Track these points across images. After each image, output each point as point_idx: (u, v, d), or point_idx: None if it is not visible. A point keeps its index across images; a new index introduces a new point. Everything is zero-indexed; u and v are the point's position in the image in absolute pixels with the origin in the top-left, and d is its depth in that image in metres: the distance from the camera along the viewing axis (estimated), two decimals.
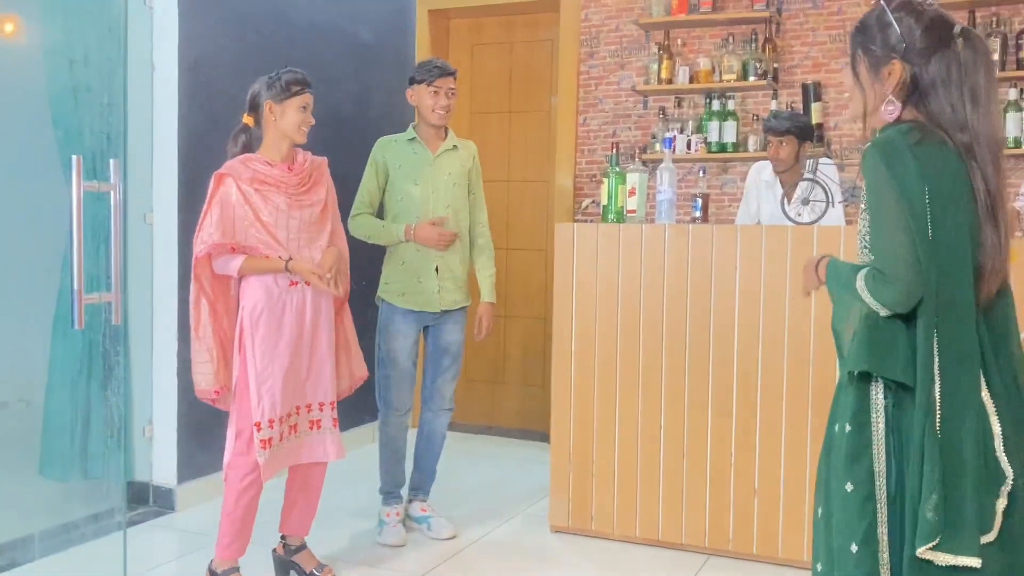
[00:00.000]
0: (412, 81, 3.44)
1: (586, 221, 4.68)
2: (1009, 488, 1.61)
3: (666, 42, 4.63)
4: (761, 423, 3.19)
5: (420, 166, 3.41)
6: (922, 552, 1.57)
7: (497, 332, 5.28)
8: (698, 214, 3.70)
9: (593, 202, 4.70)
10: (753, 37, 4.44)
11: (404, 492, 3.59)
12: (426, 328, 3.50)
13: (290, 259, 2.81)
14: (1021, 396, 1.67)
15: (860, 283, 1.65)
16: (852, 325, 1.72)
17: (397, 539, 3.39)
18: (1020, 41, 3.97)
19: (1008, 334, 1.68)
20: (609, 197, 3.50)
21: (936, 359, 1.60)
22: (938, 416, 1.59)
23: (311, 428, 2.92)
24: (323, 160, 3.00)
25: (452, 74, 3.41)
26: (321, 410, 2.94)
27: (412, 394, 3.51)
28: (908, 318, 1.63)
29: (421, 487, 3.59)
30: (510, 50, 5.24)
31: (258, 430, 2.75)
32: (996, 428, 1.62)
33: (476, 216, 3.57)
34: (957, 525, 1.56)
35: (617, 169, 3.51)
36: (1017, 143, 3.94)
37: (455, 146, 3.48)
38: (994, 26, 4.05)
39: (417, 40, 5.22)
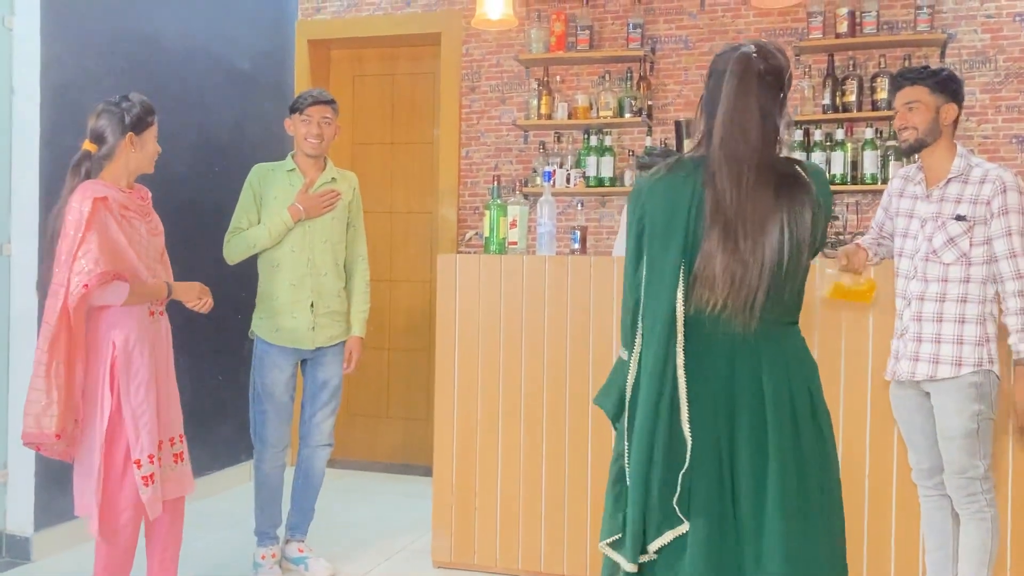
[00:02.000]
0: (291, 111, 3.39)
1: (469, 252, 4.69)
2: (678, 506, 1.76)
3: (545, 78, 4.72)
4: None
5: (289, 198, 3.33)
6: (601, 547, 1.83)
7: (380, 365, 5.22)
8: (577, 246, 3.77)
9: (476, 234, 4.72)
10: (628, 75, 4.58)
11: (281, 532, 3.47)
12: (304, 362, 3.42)
13: (171, 284, 2.80)
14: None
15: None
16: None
17: None
18: (874, 83, 4.24)
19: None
20: (491, 229, 3.53)
21: (634, 378, 1.79)
22: (635, 424, 1.79)
23: (175, 462, 2.81)
24: (147, 190, 2.91)
25: (325, 103, 3.35)
26: (181, 442, 2.86)
27: (289, 430, 3.41)
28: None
29: (298, 527, 3.47)
30: (392, 82, 5.23)
31: (138, 467, 2.63)
32: (688, 453, 1.74)
33: (354, 249, 3.51)
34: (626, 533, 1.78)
35: (499, 202, 3.54)
36: (874, 179, 4.19)
37: (333, 178, 3.42)
38: (851, 68, 4.30)
39: (297, 70, 5.16)
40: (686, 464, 1.72)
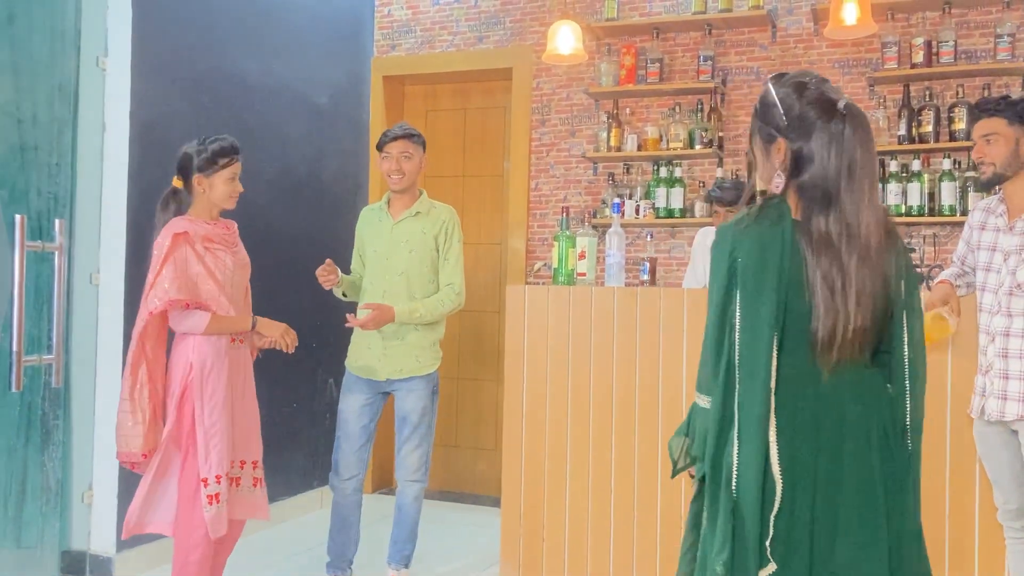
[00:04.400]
0: (377, 149, 3.49)
1: (537, 284, 4.72)
2: (769, 550, 1.70)
3: (615, 111, 4.75)
4: None
5: (381, 232, 3.46)
6: None
7: (449, 394, 5.26)
8: (646, 277, 3.76)
9: (545, 265, 4.75)
10: (699, 107, 4.58)
11: (355, 561, 3.51)
12: (393, 392, 3.48)
13: (255, 318, 2.92)
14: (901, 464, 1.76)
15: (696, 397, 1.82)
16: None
17: None
18: (952, 113, 4.15)
19: (861, 401, 1.75)
20: (560, 260, 3.55)
21: (736, 425, 1.71)
22: (735, 476, 1.69)
23: (255, 485, 2.92)
24: (235, 223, 3.07)
25: (403, 138, 3.39)
26: (256, 468, 2.97)
27: (362, 462, 3.44)
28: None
29: (393, 556, 3.51)
30: (464, 116, 5.33)
31: (205, 485, 2.74)
32: (777, 496, 1.70)
33: (444, 278, 3.44)
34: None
35: (568, 233, 3.56)
36: (952, 211, 4.09)
37: (418, 212, 3.45)
38: (927, 99, 4.23)
39: (372, 105, 5.29)
40: (775, 507, 1.70)
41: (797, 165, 1.74)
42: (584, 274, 3.53)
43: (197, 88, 4.03)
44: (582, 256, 3.55)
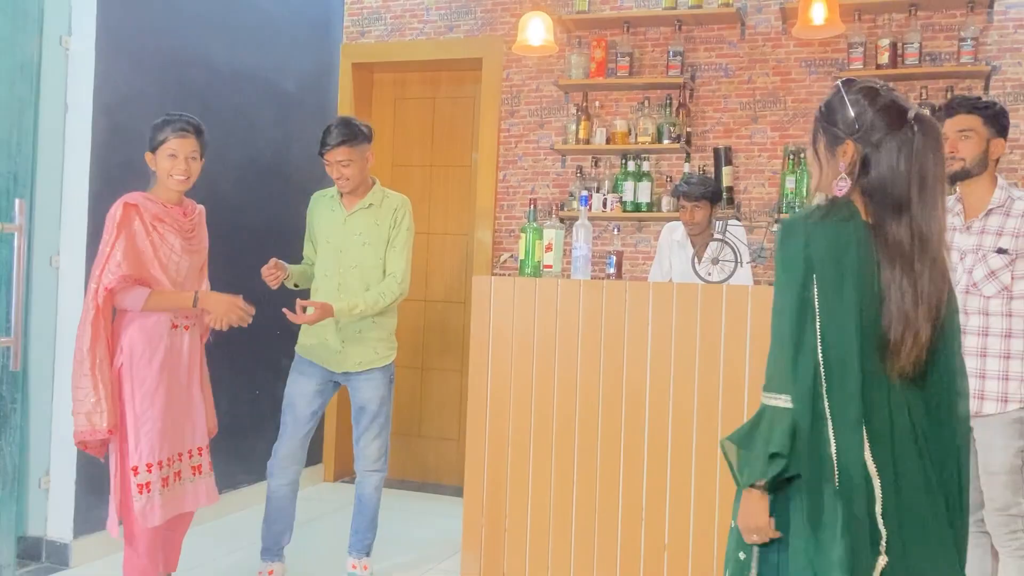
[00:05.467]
0: None
1: (504, 275, 4.72)
2: (885, 546, 1.69)
3: (584, 104, 4.76)
4: (671, 478, 3.24)
5: (334, 223, 3.42)
6: None
7: (413, 384, 5.26)
8: (612, 270, 3.78)
9: (511, 256, 4.76)
10: (668, 102, 4.61)
11: (287, 551, 3.49)
12: (347, 384, 3.46)
13: (197, 293, 2.86)
14: (949, 469, 1.76)
15: (764, 399, 1.73)
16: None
17: None
18: None
19: (943, 400, 1.77)
20: (526, 252, 3.56)
21: (830, 423, 1.67)
22: (836, 474, 1.67)
23: (194, 474, 2.92)
24: (202, 208, 3.06)
25: (339, 146, 3.25)
26: (200, 455, 2.95)
27: (302, 450, 3.40)
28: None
29: (354, 545, 3.50)
30: (432, 105, 5.31)
31: (135, 474, 2.71)
32: (877, 492, 1.70)
33: (388, 266, 3.42)
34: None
35: (535, 225, 3.57)
36: None
37: (371, 204, 3.41)
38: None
39: (340, 92, 5.25)
40: (879, 506, 1.69)
41: (865, 169, 1.74)
42: (550, 266, 3.54)
43: (163, 70, 3.97)
44: (549, 248, 3.55)
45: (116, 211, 2.74)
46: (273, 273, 3.27)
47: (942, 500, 1.76)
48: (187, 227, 2.91)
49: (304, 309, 3.22)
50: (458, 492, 4.49)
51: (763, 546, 1.79)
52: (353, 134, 3.29)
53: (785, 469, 1.70)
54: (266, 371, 4.59)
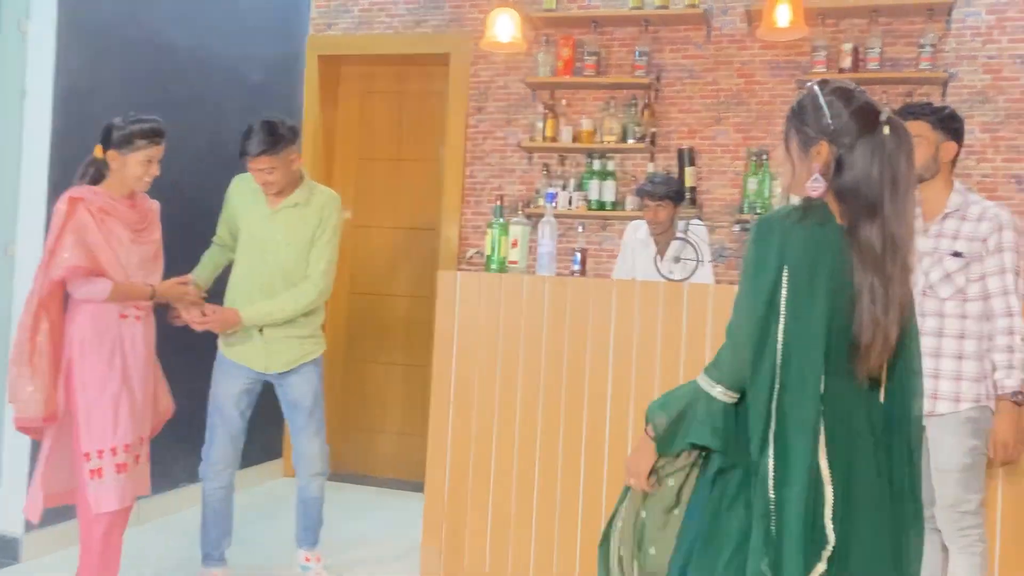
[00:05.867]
0: None
1: (470, 271, 4.73)
2: (829, 553, 1.69)
3: (551, 102, 4.78)
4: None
5: (257, 218, 3.26)
6: None
7: (377, 379, 5.24)
8: (577, 267, 3.80)
9: (477, 252, 4.76)
10: (633, 101, 4.64)
11: (228, 554, 3.43)
12: (275, 384, 3.36)
13: (154, 287, 2.91)
14: (901, 468, 1.79)
15: (701, 380, 1.79)
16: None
17: None
18: None
19: (900, 400, 1.79)
20: (492, 248, 3.56)
21: (773, 427, 1.69)
22: (771, 480, 1.68)
23: (137, 461, 2.93)
24: (157, 204, 3.07)
25: (260, 155, 3.10)
26: (141, 445, 2.96)
27: (236, 451, 3.32)
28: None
29: (304, 539, 3.47)
30: (400, 99, 5.29)
31: (87, 460, 2.73)
32: (828, 496, 1.70)
33: (310, 268, 3.27)
34: None
35: (501, 221, 3.58)
36: None
37: (297, 203, 3.25)
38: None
39: (306, 84, 5.21)
40: (829, 511, 1.70)
41: (839, 170, 1.74)
42: (516, 262, 3.55)
43: (125, 58, 3.91)
44: (515, 245, 3.56)
45: (61, 205, 2.76)
46: (188, 306, 3.12)
47: (897, 505, 1.78)
48: (134, 219, 2.91)
49: (194, 311, 3.10)
50: (421, 488, 4.48)
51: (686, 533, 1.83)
52: (274, 142, 3.11)
53: (708, 456, 1.79)
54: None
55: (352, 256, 5.27)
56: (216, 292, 3.40)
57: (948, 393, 2.69)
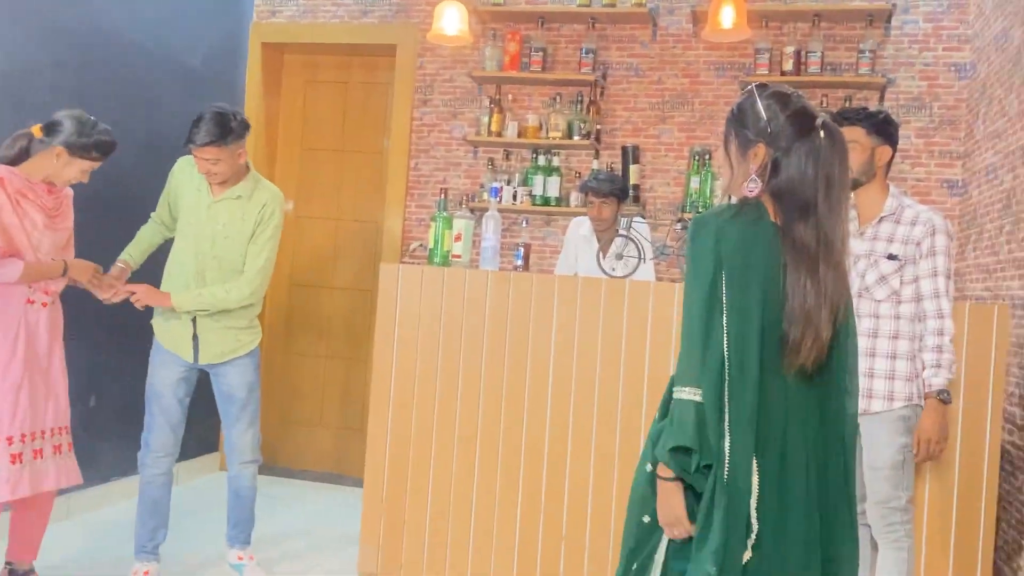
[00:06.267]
0: None
1: (414, 264, 4.69)
2: (753, 541, 1.74)
3: (497, 96, 4.76)
4: (570, 471, 3.27)
5: (197, 208, 3.20)
6: None
7: (316, 373, 5.18)
8: (520, 263, 3.79)
9: (421, 245, 4.73)
10: (579, 98, 4.65)
11: (162, 550, 3.36)
12: (210, 372, 3.31)
13: (67, 262, 2.88)
14: (834, 457, 1.82)
15: (675, 394, 1.77)
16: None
17: None
18: None
19: (835, 398, 1.83)
20: (435, 241, 3.54)
21: (727, 417, 1.72)
22: (727, 469, 1.71)
23: (55, 453, 2.87)
24: (71, 191, 3.03)
25: (203, 146, 3.03)
26: (62, 434, 2.91)
27: (176, 438, 3.26)
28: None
29: (235, 537, 3.41)
30: (345, 90, 5.23)
31: None
32: (755, 486, 1.75)
33: (249, 262, 3.21)
34: (729, 571, 1.70)
35: (444, 214, 3.56)
36: None
37: (240, 196, 3.19)
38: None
39: (249, 72, 5.12)
40: (754, 498, 1.75)
41: (775, 172, 1.79)
42: (459, 256, 3.54)
43: (60, 41, 3.79)
44: (458, 238, 3.55)
45: None
46: (109, 288, 3.10)
47: (831, 508, 1.82)
48: (50, 205, 2.87)
49: (116, 288, 3.09)
50: (360, 483, 4.44)
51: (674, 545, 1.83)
52: (223, 134, 3.04)
53: (698, 462, 1.74)
54: (143, 357, 4.45)
55: (293, 247, 5.20)
56: (148, 271, 3.32)
57: (882, 392, 2.75)
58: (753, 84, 1.90)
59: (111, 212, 3.80)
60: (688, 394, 1.74)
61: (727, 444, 1.72)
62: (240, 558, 3.37)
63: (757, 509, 1.75)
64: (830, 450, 1.83)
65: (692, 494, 1.79)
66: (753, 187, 1.81)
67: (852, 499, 1.87)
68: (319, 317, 5.20)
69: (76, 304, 3.25)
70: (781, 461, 1.77)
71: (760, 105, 1.83)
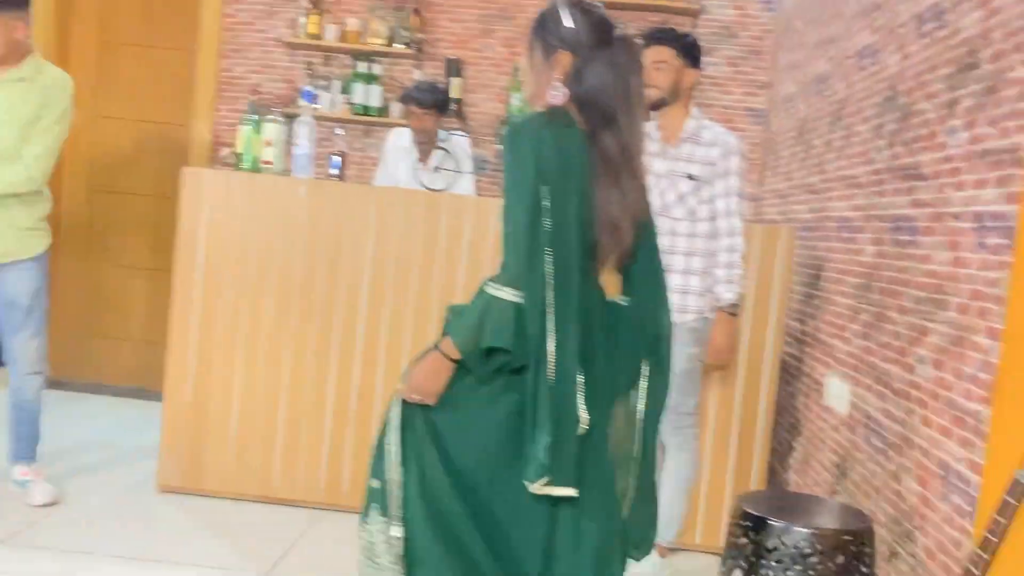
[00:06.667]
0: None
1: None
2: (583, 432, 1.81)
3: None
4: (383, 382, 3.28)
5: None
6: (536, 488, 1.74)
7: (117, 284, 4.90)
8: (336, 172, 3.70)
9: (233, 152, 4.51)
10: (402, 7, 4.52)
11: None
12: None
13: None
14: (640, 351, 1.92)
15: (488, 288, 1.77)
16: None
17: None
18: None
19: (644, 310, 1.92)
20: (245, 146, 3.39)
21: (553, 318, 1.75)
22: (551, 368, 1.75)
23: None
24: None
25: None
26: None
27: None
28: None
29: (19, 453, 3.21)
30: None
31: None
32: (579, 378, 1.80)
33: (27, 148, 3.00)
34: (562, 463, 1.75)
35: (255, 118, 3.40)
36: None
37: (22, 79, 3.00)
38: None
39: None
40: (580, 395, 1.78)
41: (578, 80, 1.80)
42: (270, 163, 3.40)
43: None
44: (268, 144, 3.41)
45: None
46: None
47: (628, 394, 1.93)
48: None
49: None
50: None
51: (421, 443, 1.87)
52: None
53: (508, 362, 1.78)
54: None
55: (91, 150, 4.83)
56: None
57: (675, 306, 2.89)
58: None
59: None
60: (508, 294, 1.76)
61: (552, 345, 1.74)
62: (24, 474, 3.18)
63: (586, 404, 1.79)
64: (626, 356, 1.92)
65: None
66: (557, 94, 1.83)
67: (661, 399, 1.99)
68: (118, 225, 4.88)
69: None
70: (590, 361, 1.83)
71: (563, 13, 1.84)
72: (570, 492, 1.77)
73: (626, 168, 1.83)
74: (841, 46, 3.27)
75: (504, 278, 1.77)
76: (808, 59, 3.75)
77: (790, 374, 3.50)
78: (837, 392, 2.91)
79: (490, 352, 1.79)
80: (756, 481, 3.26)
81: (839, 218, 3.10)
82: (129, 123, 4.85)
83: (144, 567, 2.75)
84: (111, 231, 4.90)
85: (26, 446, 3.21)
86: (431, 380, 1.84)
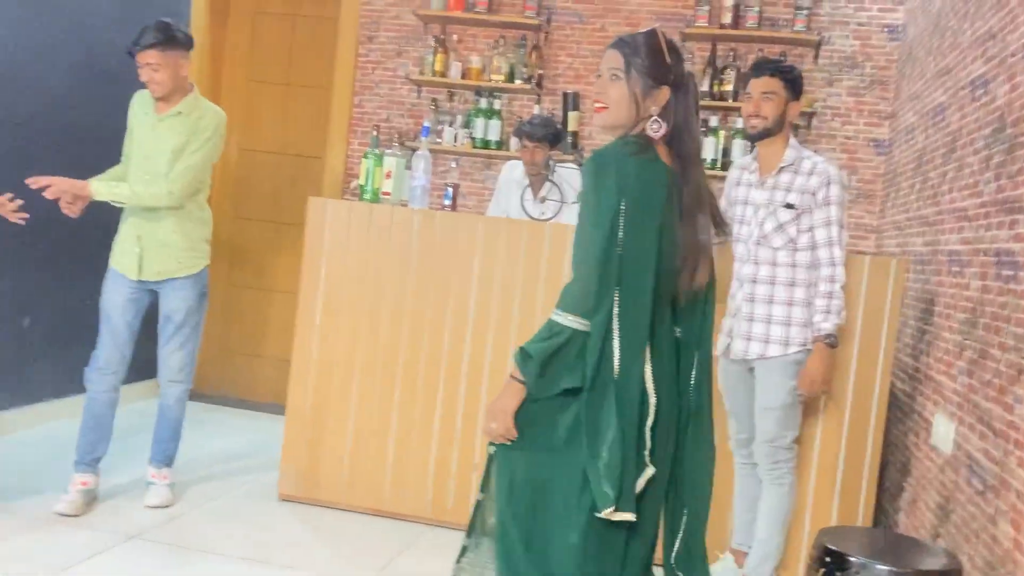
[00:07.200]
0: None
1: (353, 201, 4.75)
2: (649, 457, 1.88)
3: (442, 36, 4.79)
4: (485, 403, 3.40)
5: (145, 128, 3.33)
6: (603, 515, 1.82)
7: (259, 305, 5.25)
8: (448, 202, 3.87)
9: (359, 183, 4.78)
10: (523, 42, 4.69)
11: (103, 464, 3.44)
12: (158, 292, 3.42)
13: None
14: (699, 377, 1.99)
15: (554, 316, 1.85)
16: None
17: (66, 508, 3.21)
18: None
19: (695, 340, 1.98)
20: (366, 178, 3.61)
21: (617, 343, 1.81)
22: (616, 393, 1.82)
23: None
24: None
25: (148, 48, 3.19)
26: None
27: (123, 358, 3.36)
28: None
29: (155, 456, 3.50)
30: (292, 23, 5.21)
31: None
32: (652, 405, 1.88)
33: (174, 167, 3.27)
34: (625, 493, 1.82)
35: (376, 151, 3.62)
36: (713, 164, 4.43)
37: (180, 112, 3.31)
38: (731, 59, 4.51)
39: (194, 1, 5.08)
40: (651, 419, 1.87)
41: (669, 116, 1.89)
42: (389, 193, 3.61)
43: None
44: (388, 176, 3.61)
45: None
46: (70, 204, 3.20)
47: (695, 421, 1.99)
48: None
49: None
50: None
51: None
52: (167, 39, 3.21)
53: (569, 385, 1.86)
54: (94, 278, 4.50)
55: (236, 180, 5.22)
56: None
57: (778, 337, 2.88)
58: (652, 26, 1.99)
59: (43, 137, 3.82)
60: (573, 322, 1.81)
61: (617, 369, 1.81)
62: (153, 476, 3.46)
63: (652, 429, 1.86)
64: (686, 383, 1.99)
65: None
66: (657, 128, 1.89)
67: (709, 427, 2.04)
68: (261, 251, 5.24)
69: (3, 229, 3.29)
70: (664, 387, 1.90)
71: (664, 47, 1.90)
72: (629, 517, 1.82)
73: (702, 207, 1.89)
74: (956, 76, 3.18)
75: (571, 303, 1.83)
76: (927, 89, 3.65)
77: (902, 411, 3.38)
78: (944, 431, 2.81)
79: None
80: (862, 519, 3.16)
81: (949, 251, 3.00)
82: (271, 155, 5.22)
83: (252, 567, 2.95)
84: (253, 255, 5.27)
85: (161, 450, 3.49)
86: (503, 402, 1.90)
